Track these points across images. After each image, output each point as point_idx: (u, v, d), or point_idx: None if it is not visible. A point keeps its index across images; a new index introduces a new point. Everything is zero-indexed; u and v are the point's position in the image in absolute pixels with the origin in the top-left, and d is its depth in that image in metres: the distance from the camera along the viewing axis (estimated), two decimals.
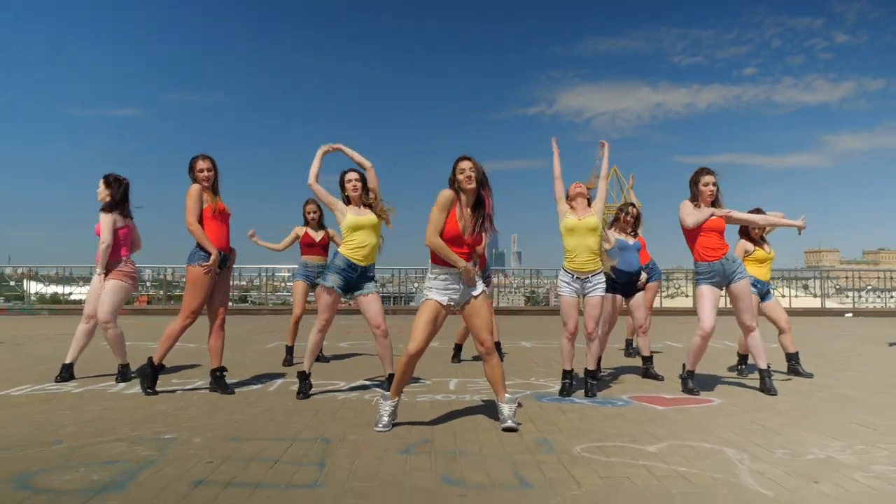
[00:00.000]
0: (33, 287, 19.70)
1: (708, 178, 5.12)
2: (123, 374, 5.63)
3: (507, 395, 3.93)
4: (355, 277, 4.92)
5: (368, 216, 4.94)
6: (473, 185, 3.90)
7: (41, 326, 12.31)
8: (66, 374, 5.62)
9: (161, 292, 19.00)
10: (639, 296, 6.04)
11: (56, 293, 19.79)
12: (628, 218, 6.08)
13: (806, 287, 16.90)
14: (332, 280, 4.88)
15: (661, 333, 10.73)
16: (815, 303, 17.18)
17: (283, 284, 19.33)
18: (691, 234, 5.13)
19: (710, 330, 5.01)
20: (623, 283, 5.97)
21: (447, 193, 3.91)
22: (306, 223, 6.96)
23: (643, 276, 6.14)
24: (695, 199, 5.17)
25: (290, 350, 6.88)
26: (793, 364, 6.06)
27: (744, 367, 6.24)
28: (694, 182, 5.18)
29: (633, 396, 4.94)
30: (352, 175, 5.03)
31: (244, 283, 19.04)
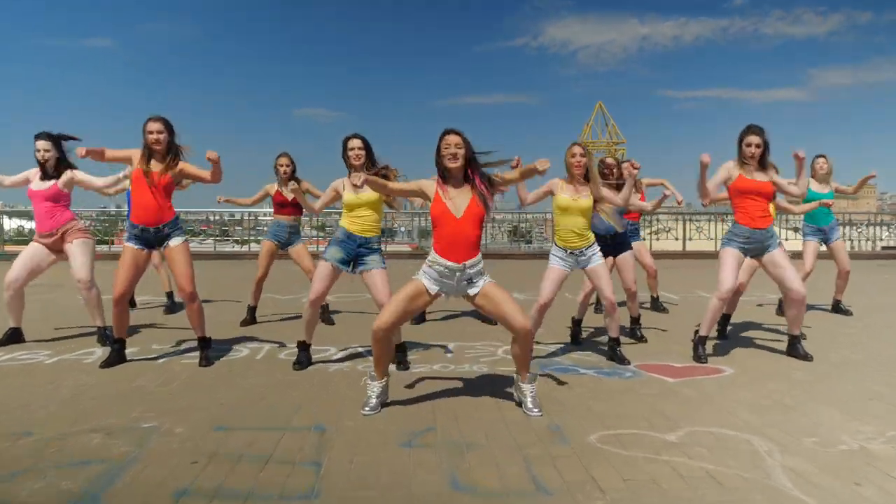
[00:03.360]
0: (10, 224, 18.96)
1: (751, 139, 4.77)
2: (105, 337, 5.31)
3: (528, 374, 3.67)
4: (355, 249, 4.57)
5: (368, 194, 4.55)
6: (459, 164, 3.52)
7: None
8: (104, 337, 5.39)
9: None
10: (625, 255, 5.63)
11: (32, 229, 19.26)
12: (607, 172, 5.49)
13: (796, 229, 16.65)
14: (331, 254, 4.55)
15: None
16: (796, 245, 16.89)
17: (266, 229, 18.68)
18: (736, 197, 4.84)
19: (730, 292, 4.77)
20: (604, 244, 5.51)
21: (424, 183, 3.66)
22: (279, 179, 6.50)
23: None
24: (741, 159, 4.84)
25: (251, 310, 6.56)
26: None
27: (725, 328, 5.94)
28: (738, 141, 4.86)
29: (640, 366, 4.72)
30: (355, 142, 4.59)
31: (223, 217, 18.20)
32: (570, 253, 4.69)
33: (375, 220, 4.65)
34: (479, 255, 3.60)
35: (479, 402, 3.79)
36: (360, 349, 5.26)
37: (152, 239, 4.60)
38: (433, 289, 3.56)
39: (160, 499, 2.49)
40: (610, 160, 5.55)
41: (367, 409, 3.58)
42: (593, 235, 4.76)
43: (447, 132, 3.55)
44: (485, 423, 3.40)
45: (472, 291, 3.57)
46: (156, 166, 4.56)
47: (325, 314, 6.56)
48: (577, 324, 5.61)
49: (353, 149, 4.57)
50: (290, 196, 6.43)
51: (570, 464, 2.85)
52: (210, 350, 4.83)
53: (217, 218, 18.61)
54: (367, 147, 4.60)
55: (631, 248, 5.71)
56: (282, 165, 6.44)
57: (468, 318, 6.61)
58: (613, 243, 5.57)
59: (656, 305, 7.36)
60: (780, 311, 7.16)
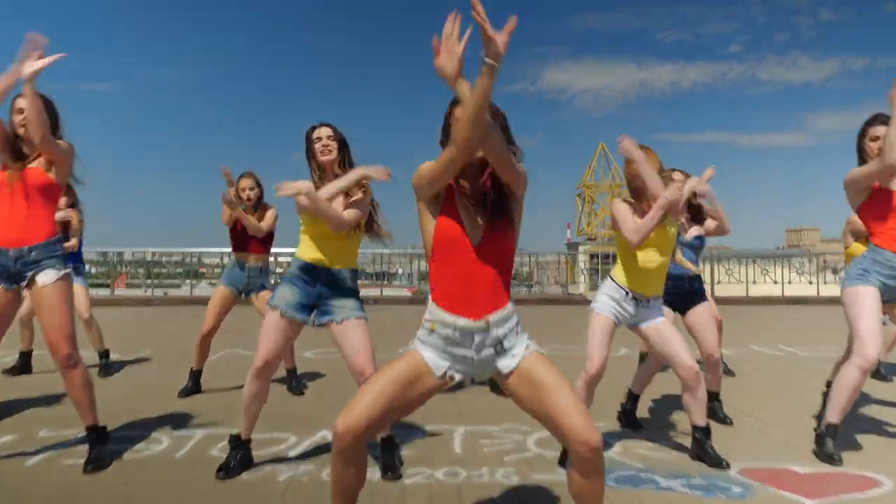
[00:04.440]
0: None
1: (878, 129, 3.34)
2: None
3: None
4: (318, 288, 3.08)
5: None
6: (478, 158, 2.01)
7: None
8: None
9: (140, 270, 16.13)
10: (702, 309, 4.04)
11: None
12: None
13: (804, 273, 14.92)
14: (281, 296, 3.07)
15: None
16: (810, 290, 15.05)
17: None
18: (876, 212, 3.39)
19: (876, 358, 3.22)
20: (674, 294, 3.98)
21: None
22: (243, 207, 4.89)
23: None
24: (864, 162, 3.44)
25: (194, 376, 4.92)
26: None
27: None
28: (860, 136, 3.47)
29: (746, 471, 3.15)
30: (323, 130, 3.13)
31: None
32: (632, 297, 3.22)
33: (349, 246, 3.16)
34: (510, 304, 2.08)
35: None
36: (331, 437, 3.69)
37: (11, 268, 3.06)
38: (439, 367, 2.04)
39: None
40: (678, 175, 3.99)
41: None
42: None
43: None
44: None
45: (505, 367, 2.04)
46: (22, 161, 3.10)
47: (292, 379, 5.02)
48: (633, 400, 4.07)
49: (319, 138, 3.10)
50: (261, 231, 4.90)
51: None
52: (105, 446, 3.26)
53: (193, 260, 17.17)
54: (339, 138, 3.15)
55: (706, 299, 4.16)
56: (244, 190, 4.91)
57: (478, 388, 5.05)
58: (685, 292, 4.05)
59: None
60: (879, 374, 5.62)
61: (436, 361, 2.03)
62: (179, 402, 4.62)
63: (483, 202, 2.05)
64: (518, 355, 2.04)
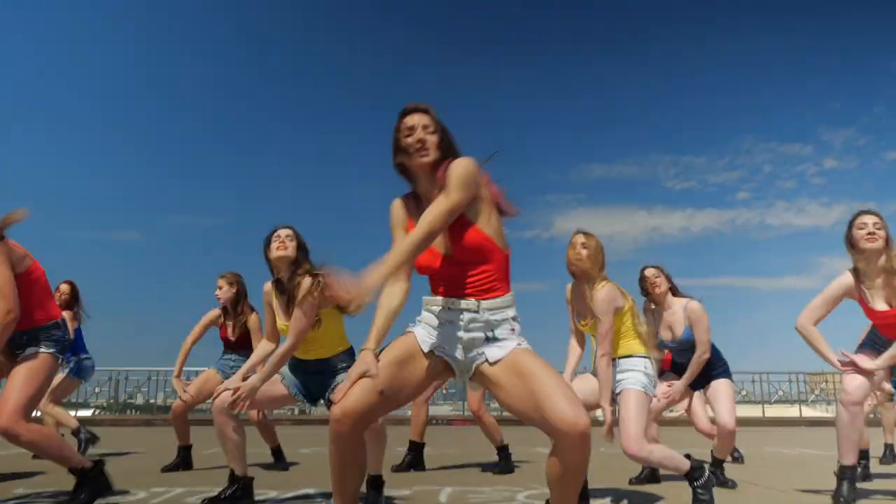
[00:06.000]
0: None
1: (865, 219, 3.26)
2: None
3: None
4: (311, 377, 3.15)
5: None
6: (429, 157, 1.99)
7: None
8: None
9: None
10: (720, 386, 4.01)
11: None
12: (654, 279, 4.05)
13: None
14: (290, 378, 3.16)
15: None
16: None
17: None
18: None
19: None
20: (680, 364, 4.02)
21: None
22: (224, 307, 4.75)
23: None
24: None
25: (182, 451, 4.61)
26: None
27: None
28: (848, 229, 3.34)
29: None
30: (282, 231, 3.17)
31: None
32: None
33: (327, 335, 3.14)
34: (509, 296, 2.01)
35: None
36: (312, 491, 3.54)
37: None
38: (427, 342, 1.98)
39: None
40: (651, 270, 4.07)
41: None
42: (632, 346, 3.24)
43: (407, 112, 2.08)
44: None
45: (493, 355, 1.94)
46: None
47: (278, 459, 4.86)
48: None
49: (278, 236, 3.14)
50: (234, 334, 4.72)
51: None
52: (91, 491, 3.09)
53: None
54: (299, 241, 3.18)
55: (727, 376, 4.13)
56: (219, 288, 4.66)
57: (471, 469, 4.84)
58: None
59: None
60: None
61: (425, 337, 1.99)
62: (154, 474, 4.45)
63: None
64: (508, 348, 1.95)
